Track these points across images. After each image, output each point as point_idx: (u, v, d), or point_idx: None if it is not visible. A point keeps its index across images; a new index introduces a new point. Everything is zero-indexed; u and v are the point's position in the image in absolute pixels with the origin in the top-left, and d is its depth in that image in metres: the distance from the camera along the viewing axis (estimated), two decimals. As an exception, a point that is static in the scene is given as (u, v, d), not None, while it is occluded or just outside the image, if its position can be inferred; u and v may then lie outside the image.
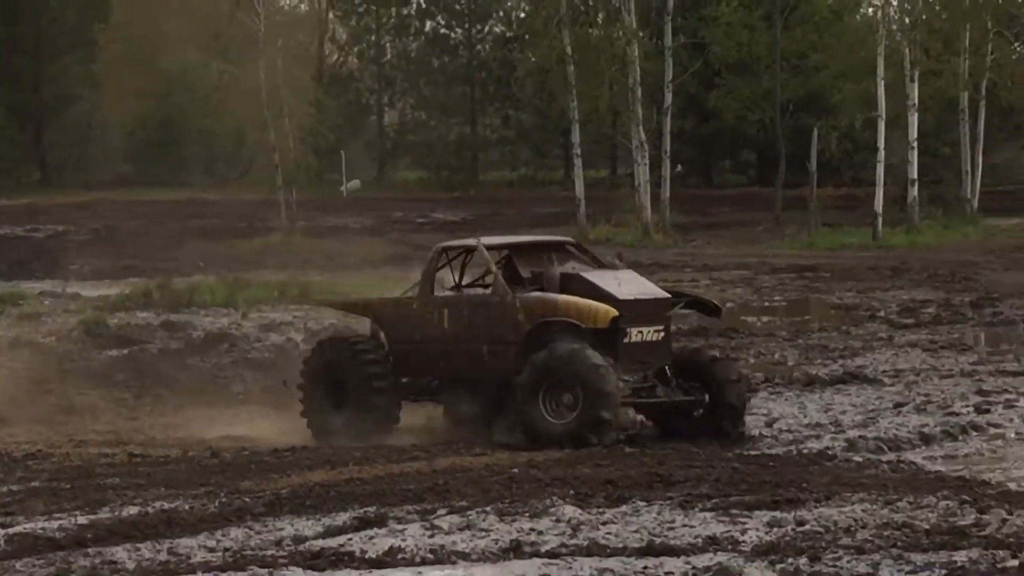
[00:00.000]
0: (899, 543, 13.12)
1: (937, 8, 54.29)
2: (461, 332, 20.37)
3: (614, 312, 19.19)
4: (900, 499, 14.92)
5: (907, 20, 52.71)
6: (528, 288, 20.14)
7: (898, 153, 52.12)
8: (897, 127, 51.97)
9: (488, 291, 20.75)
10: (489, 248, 21.23)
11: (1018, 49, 57.93)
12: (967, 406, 21.92)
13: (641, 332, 19.69)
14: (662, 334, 20.08)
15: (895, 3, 53.43)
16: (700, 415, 20.29)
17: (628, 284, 20.21)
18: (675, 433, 20.15)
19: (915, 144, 51.74)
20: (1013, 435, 20.24)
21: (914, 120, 51.60)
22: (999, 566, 12.08)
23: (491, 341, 20.06)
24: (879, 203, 49.65)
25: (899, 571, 12.11)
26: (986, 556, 12.47)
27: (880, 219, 49.36)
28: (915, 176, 51.74)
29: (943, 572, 11.99)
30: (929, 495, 15.13)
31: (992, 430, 20.39)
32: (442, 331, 20.49)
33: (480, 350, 20.13)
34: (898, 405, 22.09)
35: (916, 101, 51.65)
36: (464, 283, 21.45)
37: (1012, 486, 16.65)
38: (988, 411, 21.51)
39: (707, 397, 20.16)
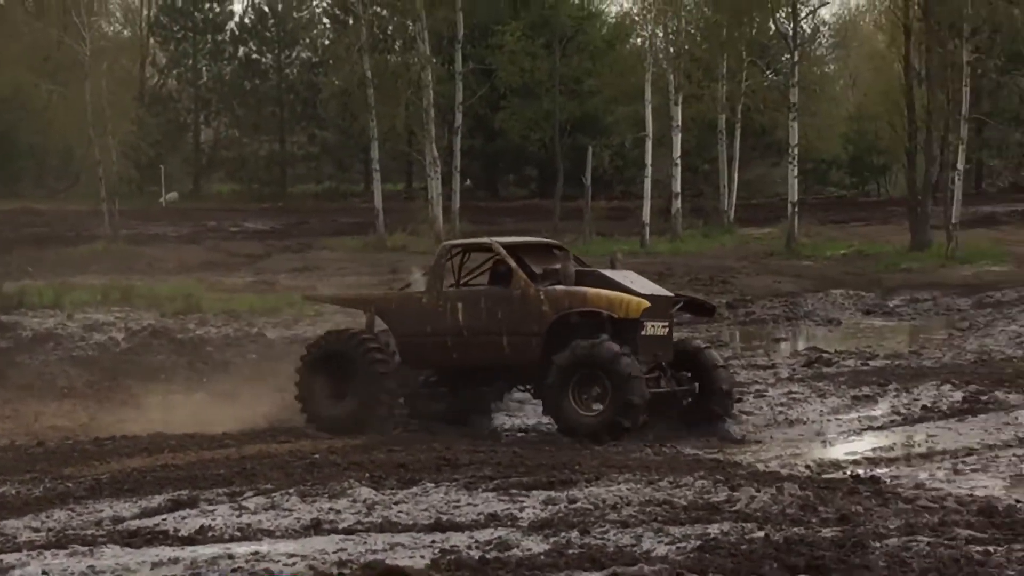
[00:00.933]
0: (659, 518, 13.39)
1: (698, 40, 54.93)
2: (477, 324, 19.59)
3: (647, 304, 18.78)
4: (661, 479, 15.19)
5: (671, 50, 53.36)
6: (544, 283, 19.41)
7: (663, 169, 52.72)
8: (663, 146, 52.57)
9: (506, 286, 19.68)
10: (485, 247, 20.83)
11: (769, 77, 58.74)
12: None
13: (654, 327, 19.21)
14: (667, 329, 19.65)
15: (661, 35, 54.02)
16: (691, 402, 19.87)
17: (636, 282, 19.79)
18: (668, 419, 19.65)
19: (678, 161, 52.42)
20: (762, 422, 20.65)
21: (678, 140, 52.28)
22: (747, 537, 12.35)
23: (512, 332, 19.32)
24: (647, 214, 50.19)
25: (659, 542, 12.33)
26: (736, 528, 12.77)
27: (647, 228, 49.91)
28: (678, 190, 52.41)
29: (697, 543, 12.22)
30: (687, 475, 15.43)
31: (744, 417, 20.75)
32: (456, 324, 19.68)
33: (499, 341, 19.38)
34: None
35: (679, 122, 52.34)
36: (463, 280, 20.78)
37: (760, 467, 17.07)
38: (740, 400, 21.89)
39: (697, 384, 19.81)
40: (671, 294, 20.59)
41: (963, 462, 17.47)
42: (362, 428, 19.36)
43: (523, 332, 19.10)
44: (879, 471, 16.45)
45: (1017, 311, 33.00)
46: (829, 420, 20.64)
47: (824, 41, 73.49)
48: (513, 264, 19.49)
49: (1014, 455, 17.90)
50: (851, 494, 14.73)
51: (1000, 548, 12.13)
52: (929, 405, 21.24)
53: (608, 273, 19.80)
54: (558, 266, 19.56)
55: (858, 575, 11.21)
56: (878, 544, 12.10)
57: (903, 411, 20.99)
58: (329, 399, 19.93)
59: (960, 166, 48.54)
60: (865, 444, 18.82)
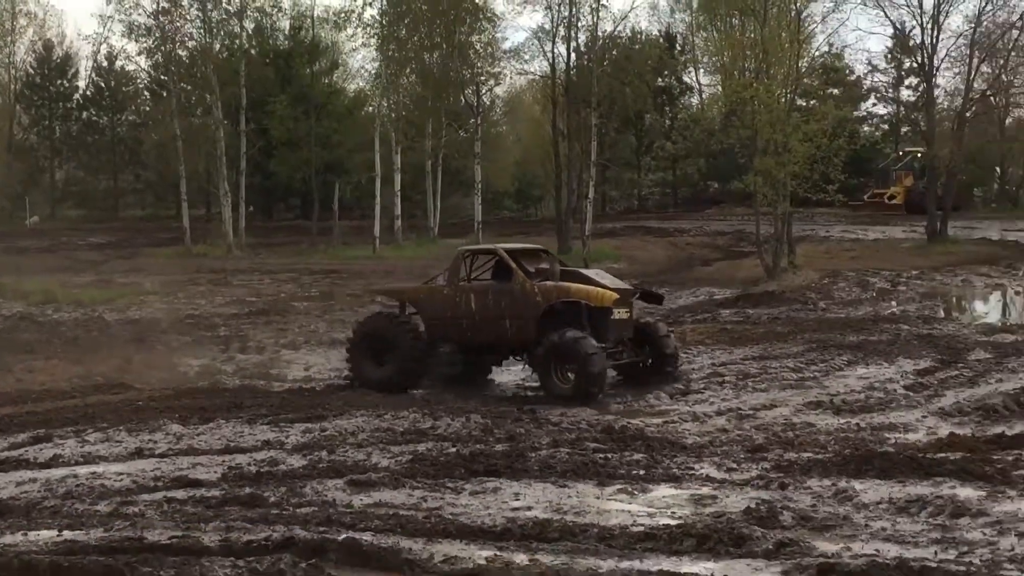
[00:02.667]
0: (384, 440, 13.46)
1: (412, 108, 54.94)
2: (488, 310, 18.71)
3: (616, 295, 18.11)
4: (386, 413, 15.27)
5: (393, 115, 53.31)
6: (536, 279, 18.61)
7: (389, 198, 52.64)
8: (388, 182, 52.47)
9: (508, 280, 18.81)
10: (484, 252, 20.31)
11: (461, 134, 59.08)
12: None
13: (620, 312, 18.40)
14: (629, 314, 18.84)
15: (386, 104, 53.92)
16: (647, 365, 19.02)
17: (607, 278, 19.10)
18: (634, 380, 18.81)
19: (399, 192, 52.45)
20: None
21: (398, 178, 52.28)
22: (444, 452, 12.50)
23: (513, 317, 18.46)
24: (377, 230, 50.05)
25: (383, 457, 12.42)
26: (437, 446, 12.94)
27: (377, 240, 49.76)
28: (399, 213, 52.41)
29: (410, 457, 12.35)
30: (404, 410, 15.51)
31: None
32: (470, 310, 18.82)
33: (503, 324, 18.56)
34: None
35: (399, 166, 52.34)
36: (472, 277, 19.98)
37: (454, 403, 17.15)
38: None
39: (649, 352, 19.03)
40: (631, 287, 20.05)
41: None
42: (397, 388, 18.47)
43: (521, 316, 18.38)
44: (536, 406, 16.70)
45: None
46: (503, 372, 20.79)
47: (498, 109, 74.36)
48: (513, 264, 18.79)
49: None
50: (516, 421, 14.97)
51: (615, 454, 12.47)
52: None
53: (584, 272, 19.36)
54: (547, 265, 19.03)
55: (520, 475, 11.42)
56: (533, 454, 12.34)
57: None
58: (372, 365, 19.01)
59: (590, 196, 49.54)
60: (528, 389, 19.07)
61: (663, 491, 10.72)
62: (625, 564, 8.20)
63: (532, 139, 70.04)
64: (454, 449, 12.59)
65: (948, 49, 49.83)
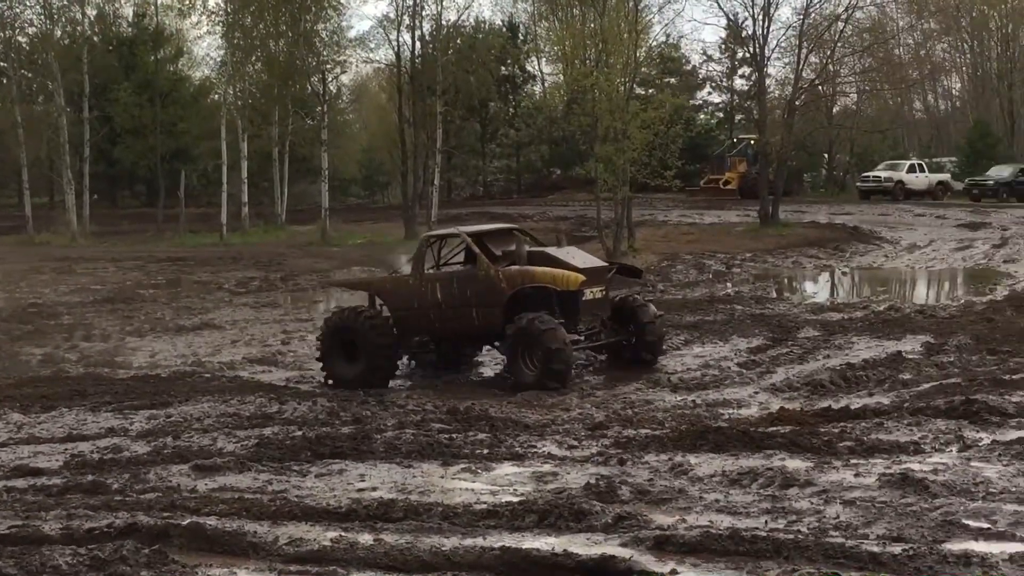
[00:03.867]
0: (229, 425, 13.28)
1: (258, 96, 54.11)
2: (453, 300, 17.44)
3: (582, 277, 16.70)
4: (232, 398, 15.04)
5: (239, 103, 52.50)
6: (502, 264, 17.37)
7: (236, 186, 51.81)
8: (235, 169, 51.64)
9: (473, 267, 17.62)
10: (452, 236, 18.92)
11: (308, 122, 58.35)
12: (277, 340, 22.14)
13: (593, 292, 17.16)
14: (604, 292, 17.57)
15: (232, 92, 53.05)
16: (630, 347, 17.90)
17: (578, 257, 17.77)
18: (616, 362, 17.92)
19: (246, 180, 51.64)
20: (308, 358, 20.47)
21: (245, 165, 51.47)
22: (290, 435, 12.38)
23: (480, 305, 17.18)
24: (224, 217, 49.24)
25: (228, 442, 12.25)
26: (283, 430, 12.82)
27: (225, 227, 48.97)
28: (246, 200, 51.58)
29: (256, 441, 12.20)
30: (251, 395, 15.30)
31: (290, 355, 20.59)
32: (436, 300, 17.57)
33: (471, 313, 17.28)
34: (234, 342, 22.10)
35: (246, 153, 51.55)
36: (441, 263, 18.76)
37: (304, 387, 17.04)
38: (289, 343, 21.76)
39: (633, 335, 17.88)
40: (606, 263, 18.79)
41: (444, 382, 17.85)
42: (370, 384, 17.05)
43: (487, 304, 17.11)
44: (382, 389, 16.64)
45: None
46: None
47: (345, 97, 73.79)
48: (476, 249, 17.59)
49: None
50: (362, 404, 14.90)
51: (459, 435, 12.48)
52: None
53: (553, 251, 17.78)
54: (514, 248, 17.50)
55: (365, 457, 11.36)
56: (379, 436, 12.29)
57: (399, 347, 21.23)
58: (343, 362, 17.62)
59: (436, 183, 49.54)
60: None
61: (506, 469, 10.77)
62: (468, 541, 8.21)
63: (379, 127, 69.71)
64: (300, 432, 12.46)
65: (778, 40, 51.06)
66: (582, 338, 17.58)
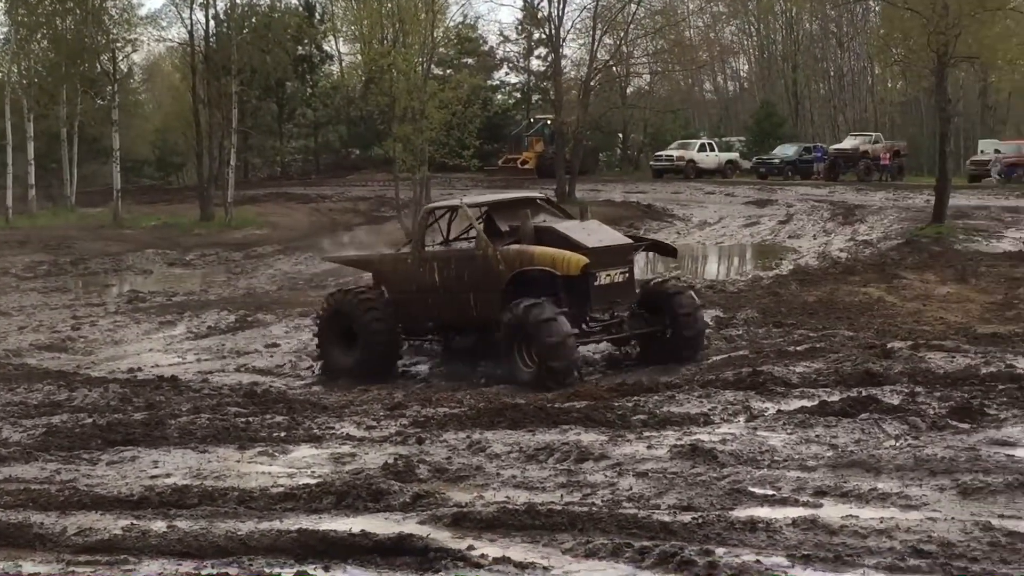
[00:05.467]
0: (15, 414, 12.91)
1: (44, 75, 52.11)
2: (451, 283, 15.66)
3: (585, 260, 14.57)
4: (19, 386, 14.59)
5: (24, 82, 50.55)
6: (507, 241, 15.40)
7: (22, 167, 49.83)
8: (21, 150, 49.68)
9: (472, 245, 15.84)
10: (470, 207, 16.38)
11: (98, 102, 56.50)
12: (66, 326, 21.49)
13: (609, 275, 15.07)
14: (627, 275, 15.40)
15: (16, 70, 51.04)
16: (667, 341, 15.66)
17: (595, 233, 15.55)
18: (652, 358, 15.65)
19: (32, 161, 49.75)
20: (98, 344, 19.89)
21: (31, 146, 49.54)
22: (80, 423, 12.03)
23: (477, 290, 15.35)
24: (9, 200, 47.32)
25: (14, 432, 11.93)
26: (72, 418, 12.46)
27: (10, 210, 47.08)
28: (33, 182, 49.72)
29: (44, 430, 11.85)
30: (38, 383, 14.84)
31: (81, 341, 20.00)
32: (434, 282, 15.78)
33: (468, 298, 15.46)
34: (21, 328, 21.33)
35: (32, 134, 49.66)
36: (451, 238, 16.72)
37: (92, 373, 16.54)
38: (80, 328, 21.15)
39: (669, 326, 15.64)
40: (629, 241, 16.14)
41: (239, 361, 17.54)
42: (369, 374, 15.51)
43: (484, 289, 15.24)
44: (176, 372, 16.29)
45: (272, 260, 33.47)
46: (143, 339, 20.23)
47: (137, 77, 71.86)
48: (475, 224, 15.76)
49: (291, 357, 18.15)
50: (156, 389, 14.57)
51: (256, 418, 12.32)
52: (212, 325, 21.24)
53: (565, 227, 15.48)
54: (523, 222, 15.45)
55: (159, 443, 11.11)
56: (173, 421, 12.04)
57: (194, 330, 20.86)
58: (341, 351, 16.08)
59: (232, 163, 48.56)
60: (169, 356, 18.53)
61: (304, 451, 10.66)
62: (264, 525, 8.10)
63: (172, 107, 67.91)
64: (91, 420, 12.12)
65: (573, 21, 51.81)
66: (598, 328, 15.53)
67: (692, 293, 15.87)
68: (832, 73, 78.38)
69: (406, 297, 16.07)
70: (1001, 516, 7.73)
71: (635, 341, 15.97)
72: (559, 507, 8.23)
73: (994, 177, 50.64)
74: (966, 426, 10.37)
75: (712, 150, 62.11)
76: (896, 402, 11.51)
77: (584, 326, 15.24)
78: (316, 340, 16.63)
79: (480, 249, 15.40)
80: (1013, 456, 9.20)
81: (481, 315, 15.36)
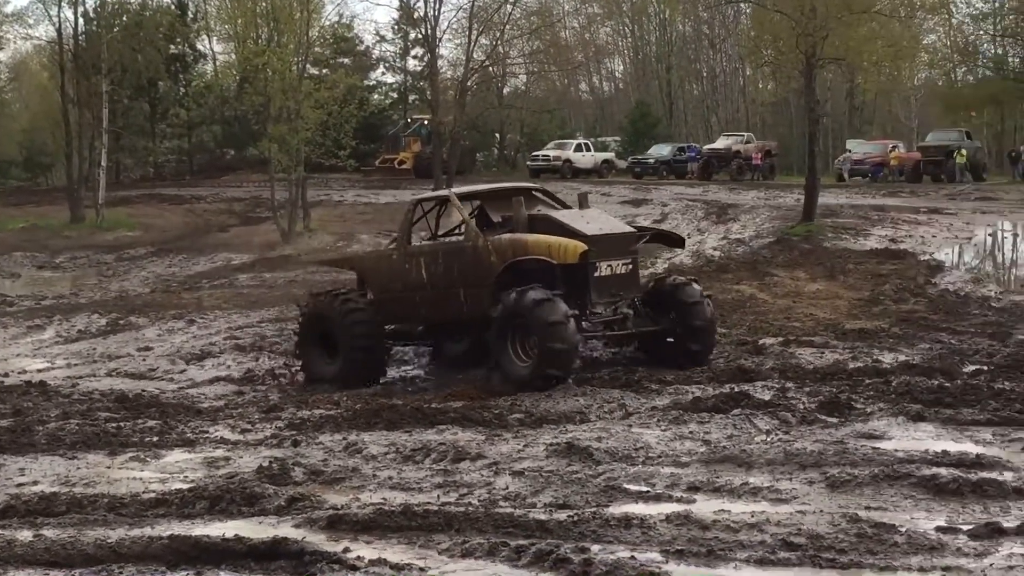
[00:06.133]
0: None
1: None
2: (439, 279, 14.43)
3: (583, 247, 13.33)
4: None
5: None
6: (499, 231, 14.22)
7: None
8: None
9: (461, 237, 14.68)
10: (461, 198, 15.23)
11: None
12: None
13: (610, 266, 13.84)
14: (630, 267, 14.15)
15: None
16: (674, 339, 14.38)
17: (595, 221, 14.35)
18: (658, 357, 14.34)
19: None
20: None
21: None
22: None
23: (467, 285, 14.09)
24: None
25: None
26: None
27: None
28: None
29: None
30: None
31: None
32: (421, 279, 14.55)
33: (458, 294, 14.19)
34: None
35: None
36: (440, 233, 15.62)
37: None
38: None
39: (676, 322, 14.29)
40: (632, 230, 14.87)
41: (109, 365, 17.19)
42: (353, 384, 14.32)
43: (475, 284, 14.02)
44: (45, 377, 15.90)
45: (145, 262, 32.89)
46: (10, 344, 19.69)
47: (3, 76, 70.05)
48: (464, 215, 14.62)
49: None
50: (24, 395, 14.23)
51: (128, 423, 12.11)
52: (83, 329, 20.77)
53: (563, 215, 14.33)
54: (516, 213, 14.20)
55: (26, 450, 10.85)
56: (41, 427, 11.77)
57: (64, 334, 20.38)
58: (322, 358, 14.96)
59: (103, 164, 47.60)
60: (38, 361, 18.05)
61: (176, 456, 10.50)
62: (136, 532, 7.94)
63: (41, 106, 66.30)
64: None
65: (450, 21, 51.64)
66: (599, 324, 14.05)
67: (697, 285, 14.72)
68: (705, 74, 79.59)
69: (392, 297, 14.98)
70: (868, 508, 7.89)
71: (636, 341, 14.63)
72: (435, 507, 8.21)
73: (845, 176, 52.08)
74: (834, 420, 10.59)
75: (588, 150, 62.52)
76: (767, 397, 11.72)
77: (584, 321, 13.82)
78: (297, 352, 15.50)
79: (470, 240, 14.26)
80: (879, 449, 9.41)
81: (472, 312, 14.09)
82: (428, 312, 14.78)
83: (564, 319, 12.98)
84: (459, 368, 15.14)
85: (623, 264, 14.10)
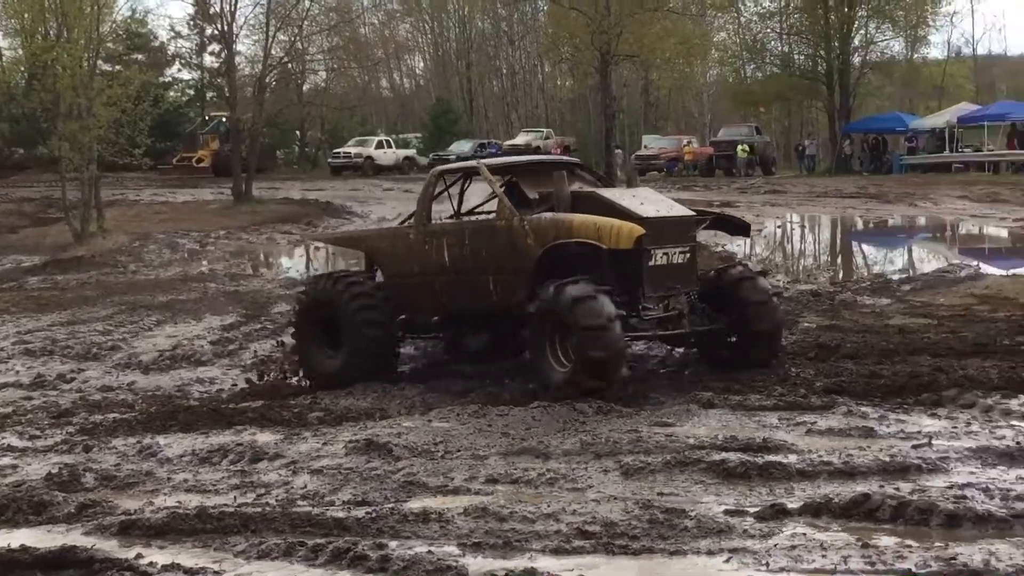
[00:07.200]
0: None
1: None
2: (464, 263, 12.54)
3: (639, 230, 11.35)
4: None
5: None
6: (536, 210, 12.24)
7: None
8: None
9: (492, 215, 12.71)
10: (492, 170, 13.08)
11: None
12: None
13: (666, 254, 11.82)
14: (688, 256, 12.08)
15: None
16: (736, 341, 12.44)
17: (649, 202, 12.24)
18: (717, 361, 12.53)
19: None
20: None
21: None
22: None
23: (498, 271, 12.21)
24: None
25: None
26: None
27: None
28: None
29: None
30: None
31: None
32: (442, 262, 12.69)
33: (486, 281, 12.30)
34: None
35: None
36: (464, 211, 13.77)
37: None
38: None
39: (735, 322, 12.34)
40: (692, 213, 12.64)
41: None
42: (354, 380, 12.68)
43: (508, 270, 12.12)
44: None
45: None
46: None
47: None
48: (497, 189, 12.64)
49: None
50: None
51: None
52: None
53: (612, 194, 12.32)
54: (553, 190, 12.27)
55: None
56: None
57: None
58: (323, 351, 13.22)
59: None
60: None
61: (-41, 468, 10.07)
62: (-85, 546, 7.60)
63: None
64: None
65: (247, 17, 50.97)
66: (652, 322, 12.09)
67: (764, 280, 12.81)
68: (505, 71, 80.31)
69: (406, 282, 13.12)
70: (660, 494, 8.07)
71: (694, 340, 12.75)
72: (232, 509, 8.08)
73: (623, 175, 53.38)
74: (630, 410, 10.78)
75: (390, 147, 62.53)
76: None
77: (634, 318, 11.90)
78: (293, 338, 13.94)
79: (503, 219, 12.26)
80: (672, 436, 9.63)
81: (502, 303, 12.22)
82: (449, 301, 12.91)
83: (607, 322, 10.96)
84: (481, 363, 13.63)
85: (680, 252, 12.03)
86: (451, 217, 13.72)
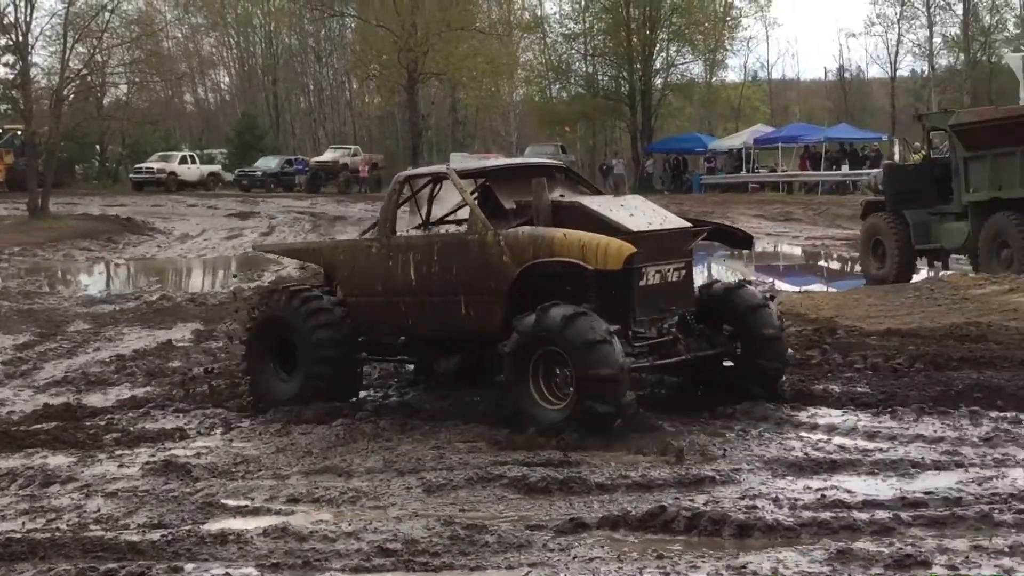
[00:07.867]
0: None
1: None
2: (432, 282, 11.03)
3: (630, 249, 9.97)
4: None
5: None
6: (514, 222, 10.85)
7: None
8: None
9: (463, 227, 11.31)
10: (464, 176, 11.55)
11: None
12: None
13: (660, 272, 10.50)
14: (683, 273, 10.83)
15: None
16: (737, 359, 11.13)
17: (640, 213, 10.85)
18: (714, 386, 11.16)
19: None
20: None
21: None
22: None
23: (470, 291, 10.74)
24: None
25: None
26: None
27: None
28: None
29: None
30: None
31: None
32: (408, 281, 11.16)
33: (457, 303, 10.83)
34: None
35: None
36: (433, 220, 12.27)
37: None
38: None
39: (736, 336, 11.11)
40: (688, 224, 11.29)
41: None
42: (311, 406, 11.32)
43: (481, 291, 10.71)
44: None
45: None
46: None
47: None
48: (468, 198, 11.17)
49: None
50: None
51: None
52: None
53: (597, 203, 10.92)
54: (532, 199, 10.80)
55: None
56: None
57: None
58: (277, 374, 11.87)
59: None
60: None
61: None
62: None
63: None
64: None
65: (43, 28, 49.45)
66: (645, 349, 10.66)
67: (774, 308, 11.56)
68: (312, 87, 79.73)
69: (369, 301, 11.70)
70: (462, 510, 8.10)
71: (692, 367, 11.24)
72: (19, 535, 7.79)
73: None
74: (431, 426, 10.76)
75: (194, 162, 61.43)
76: (370, 408, 11.79)
77: (627, 345, 10.36)
78: (245, 367, 12.56)
79: (476, 233, 10.88)
80: (475, 451, 9.66)
81: (475, 327, 10.92)
82: (416, 323, 11.46)
83: (607, 336, 9.72)
84: (452, 388, 12.30)
85: (675, 269, 10.82)
86: (418, 228, 12.37)
